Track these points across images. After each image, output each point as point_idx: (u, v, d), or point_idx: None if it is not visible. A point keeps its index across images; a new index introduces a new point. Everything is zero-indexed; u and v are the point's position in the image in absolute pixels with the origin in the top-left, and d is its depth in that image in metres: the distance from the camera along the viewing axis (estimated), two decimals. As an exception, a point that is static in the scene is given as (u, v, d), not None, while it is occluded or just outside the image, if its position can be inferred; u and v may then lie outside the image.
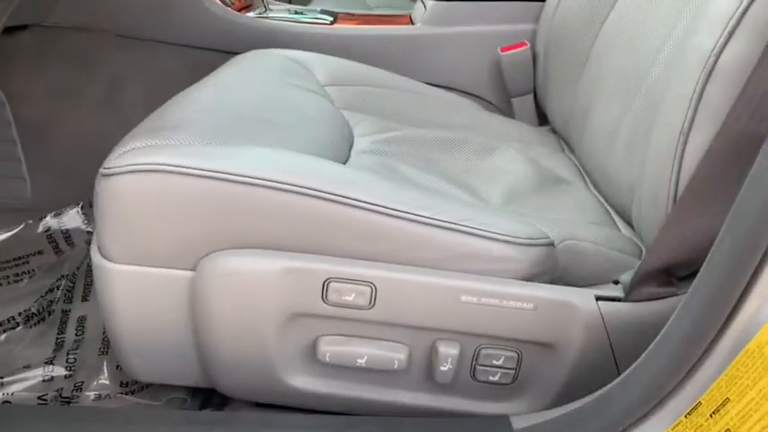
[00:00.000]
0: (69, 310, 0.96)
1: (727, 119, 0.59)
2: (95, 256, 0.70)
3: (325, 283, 0.66)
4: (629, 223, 0.85)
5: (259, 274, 0.66)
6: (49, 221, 1.17)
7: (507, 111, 1.25)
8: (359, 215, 0.66)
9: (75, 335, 0.91)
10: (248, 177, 0.65)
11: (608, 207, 0.90)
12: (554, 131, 1.18)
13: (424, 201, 0.69)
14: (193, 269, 0.68)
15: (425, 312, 0.67)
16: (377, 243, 0.67)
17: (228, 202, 0.66)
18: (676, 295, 0.67)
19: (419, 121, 1.05)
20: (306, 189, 0.65)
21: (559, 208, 0.86)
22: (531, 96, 1.23)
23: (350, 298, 0.66)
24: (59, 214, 1.18)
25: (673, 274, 0.67)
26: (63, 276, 1.01)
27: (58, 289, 0.98)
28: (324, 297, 0.66)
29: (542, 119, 1.23)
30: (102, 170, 0.67)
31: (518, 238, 0.68)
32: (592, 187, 0.97)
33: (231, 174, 0.65)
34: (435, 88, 1.20)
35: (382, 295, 0.66)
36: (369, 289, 0.66)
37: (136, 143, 0.69)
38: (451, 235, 0.67)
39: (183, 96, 0.87)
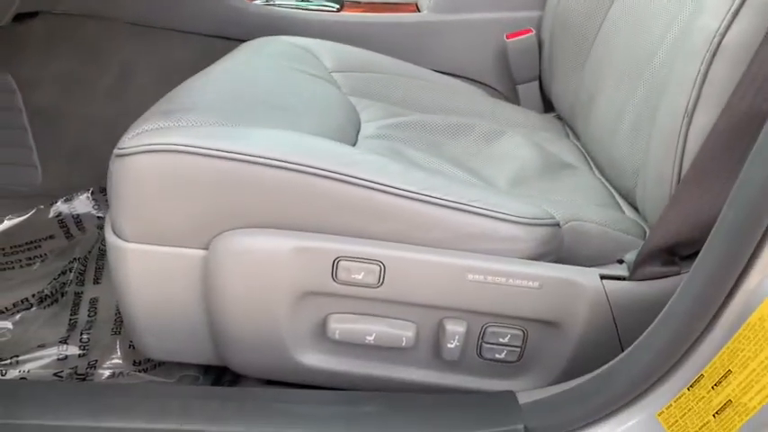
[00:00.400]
0: (81, 293, 0.98)
1: (732, 98, 0.60)
2: (109, 236, 0.71)
3: (335, 262, 0.67)
4: (633, 206, 0.86)
5: (270, 253, 0.68)
6: (60, 207, 1.19)
7: (513, 98, 1.26)
8: (369, 195, 0.67)
9: (88, 316, 0.93)
10: (260, 157, 0.66)
11: (612, 190, 0.91)
12: (559, 118, 1.19)
13: (432, 181, 0.70)
14: (206, 248, 0.69)
15: (433, 291, 0.69)
16: (386, 223, 0.68)
17: (240, 181, 0.67)
18: (679, 274, 0.68)
19: (425, 107, 1.06)
20: (317, 169, 0.67)
21: (564, 191, 0.87)
22: (536, 83, 1.24)
23: (359, 276, 0.67)
24: (70, 200, 1.20)
25: (676, 254, 0.68)
26: (75, 259, 1.02)
27: (70, 272, 1.00)
28: (334, 276, 0.68)
29: (548, 106, 1.24)
30: (116, 150, 0.69)
31: (525, 218, 0.69)
32: (597, 172, 0.98)
33: (243, 154, 0.66)
34: (441, 75, 1.21)
35: (391, 274, 0.68)
36: (378, 268, 0.67)
37: (149, 125, 0.71)
38: (460, 215, 0.68)
39: (193, 81, 0.88)
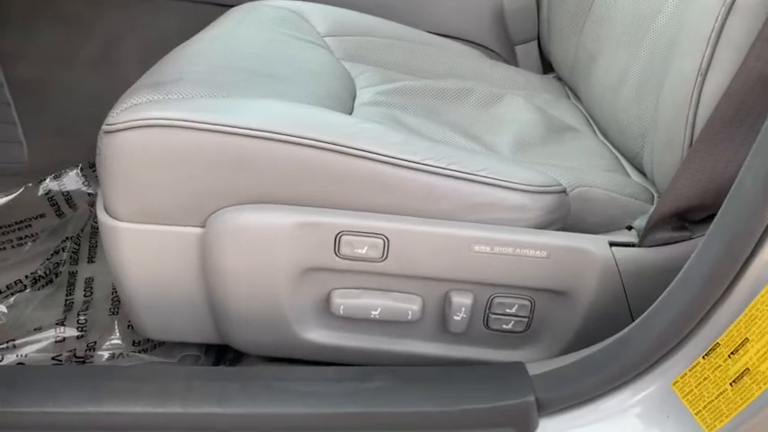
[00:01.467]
0: (76, 272, 0.96)
1: (747, 59, 0.58)
2: (102, 215, 0.69)
3: (338, 237, 0.65)
4: (639, 170, 0.84)
5: (270, 229, 0.66)
6: (50, 184, 1.16)
7: (511, 59, 1.22)
8: (370, 167, 0.65)
9: (84, 296, 0.91)
10: (256, 130, 0.64)
11: (617, 153, 0.89)
12: (559, 79, 1.16)
13: (436, 151, 0.67)
14: (203, 226, 0.67)
15: (438, 263, 0.67)
16: (389, 195, 0.66)
17: (236, 156, 0.64)
18: (690, 239, 0.66)
19: (422, 72, 1.03)
20: (316, 141, 0.64)
21: (569, 156, 0.85)
22: (534, 44, 1.20)
23: (362, 251, 0.66)
24: (59, 176, 1.17)
25: (686, 219, 0.66)
26: (67, 239, 1.00)
27: (63, 251, 0.97)
28: (336, 250, 0.66)
29: (547, 66, 1.21)
30: (104, 127, 0.66)
31: (531, 186, 0.67)
32: (600, 134, 0.96)
33: (238, 127, 0.64)
34: (437, 37, 1.17)
35: (395, 247, 0.66)
36: (381, 241, 0.65)
37: (137, 98, 0.68)
38: (466, 185, 0.66)
39: (180, 51, 0.85)
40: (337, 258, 0.66)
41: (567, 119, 0.98)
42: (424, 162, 0.66)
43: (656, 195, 0.77)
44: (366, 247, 0.66)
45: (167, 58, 0.82)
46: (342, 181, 0.65)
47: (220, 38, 0.91)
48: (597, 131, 0.97)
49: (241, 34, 0.94)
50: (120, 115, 0.65)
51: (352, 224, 0.65)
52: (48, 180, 1.16)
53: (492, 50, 1.23)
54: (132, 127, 0.64)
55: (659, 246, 0.67)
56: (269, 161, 0.64)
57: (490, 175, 0.67)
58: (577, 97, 1.08)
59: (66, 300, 0.90)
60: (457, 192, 0.66)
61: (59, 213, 1.12)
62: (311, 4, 1.10)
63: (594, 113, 0.98)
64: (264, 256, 0.66)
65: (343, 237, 0.65)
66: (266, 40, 0.93)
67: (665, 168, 0.70)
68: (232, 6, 1.08)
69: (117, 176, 0.66)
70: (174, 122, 0.63)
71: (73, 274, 0.95)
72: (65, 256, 0.96)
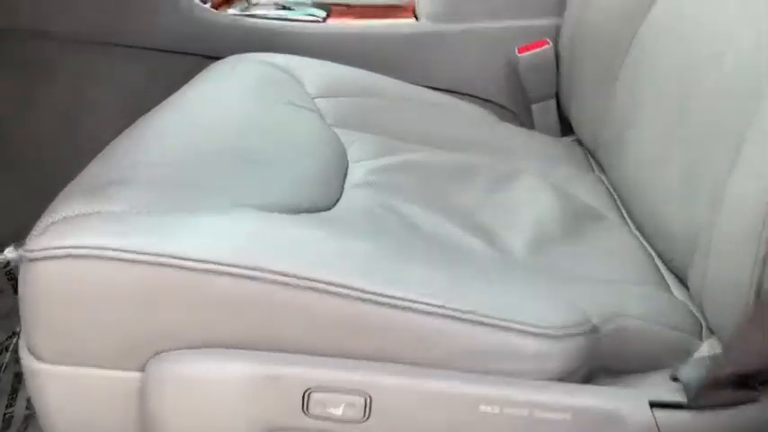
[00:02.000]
0: (23, 374, 0.83)
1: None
2: (24, 356, 0.56)
3: (306, 394, 0.52)
4: (679, 278, 0.70)
5: (219, 380, 0.52)
6: (9, 255, 1.03)
7: (526, 118, 1.09)
8: (346, 306, 0.52)
9: (26, 408, 0.78)
10: (203, 262, 0.51)
11: (651, 251, 0.75)
12: (581, 143, 1.03)
13: (431, 282, 0.54)
14: (141, 370, 0.54)
15: (435, 425, 0.53)
16: (371, 340, 0.53)
17: (179, 291, 0.52)
18: (756, 402, 0.52)
19: (425, 139, 0.91)
20: (276, 275, 0.51)
21: (596, 257, 0.72)
22: (553, 101, 1.07)
23: (338, 411, 0.52)
24: (20, 246, 1.04)
25: (755, 378, 0.52)
26: (14, 334, 0.87)
27: (6, 351, 0.85)
28: (305, 410, 0.52)
29: (566, 127, 1.08)
30: (23, 252, 0.54)
31: (552, 328, 0.53)
32: (630, 222, 0.82)
33: (178, 258, 0.51)
34: (445, 96, 1.04)
35: (379, 406, 0.52)
36: (362, 399, 0.52)
37: (68, 210, 0.56)
38: (468, 328, 0.52)
39: (143, 125, 0.74)
40: (307, 419, 0.53)
41: (591, 200, 0.84)
42: (417, 300, 0.52)
43: (704, 325, 0.63)
44: (343, 406, 0.52)
45: (125, 137, 0.71)
46: (309, 322, 0.52)
47: (194, 107, 0.80)
48: (626, 217, 0.83)
49: (219, 101, 0.83)
50: (40, 239, 0.53)
51: (323, 378, 0.52)
52: (7, 251, 1.03)
53: (505, 108, 1.10)
54: (52, 257, 0.52)
55: (714, 408, 0.53)
56: (216, 298, 0.51)
57: (500, 315, 0.53)
58: (602, 169, 0.94)
59: (5, 414, 0.78)
60: (457, 337, 0.53)
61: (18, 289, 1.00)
62: (303, 58, 0.98)
63: (624, 195, 0.85)
64: (213, 412, 0.53)
65: (312, 394, 0.52)
66: (248, 107, 0.82)
67: (724, 310, 0.56)
68: (216, 58, 0.97)
69: (39, 312, 0.54)
70: (100, 253, 0.51)
71: (18, 377, 0.83)
72: (8, 357, 0.84)
